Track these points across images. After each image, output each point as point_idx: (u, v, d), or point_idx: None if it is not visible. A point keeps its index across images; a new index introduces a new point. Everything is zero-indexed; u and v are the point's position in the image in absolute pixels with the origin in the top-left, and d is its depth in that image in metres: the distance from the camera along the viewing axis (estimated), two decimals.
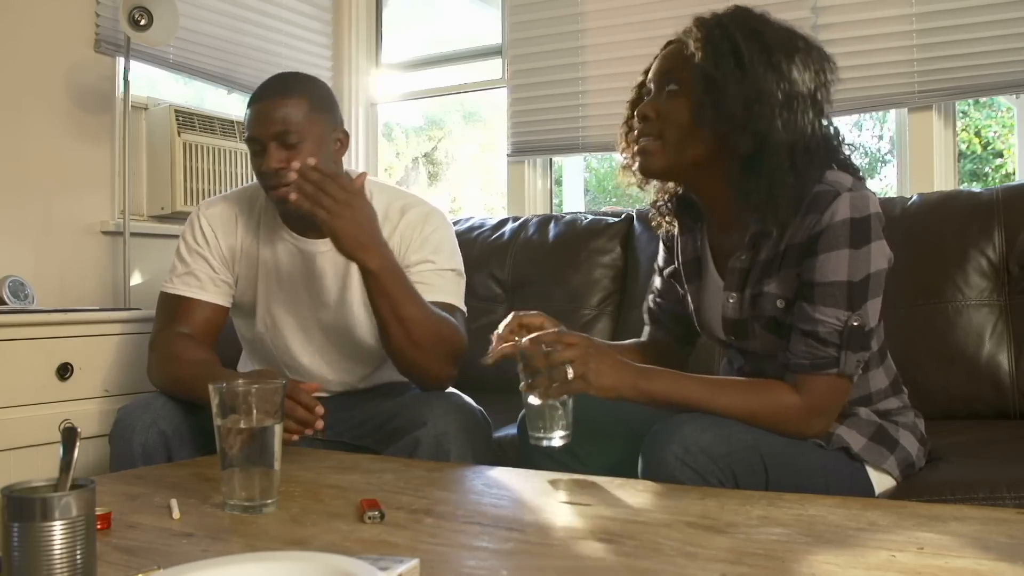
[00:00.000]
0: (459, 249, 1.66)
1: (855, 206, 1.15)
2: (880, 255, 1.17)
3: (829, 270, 1.15)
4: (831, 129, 1.26)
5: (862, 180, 1.22)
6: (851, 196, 1.15)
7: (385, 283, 1.42)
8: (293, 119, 1.49)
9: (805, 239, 1.18)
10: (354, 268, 1.51)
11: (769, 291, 1.23)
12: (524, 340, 1.20)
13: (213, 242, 1.62)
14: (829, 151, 1.24)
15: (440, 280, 1.58)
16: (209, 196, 2.72)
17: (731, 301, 1.29)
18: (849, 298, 1.15)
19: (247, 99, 1.56)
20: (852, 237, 1.14)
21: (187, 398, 1.47)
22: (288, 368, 1.68)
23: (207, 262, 1.61)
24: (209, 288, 1.61)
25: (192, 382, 1.42)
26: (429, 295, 1.52)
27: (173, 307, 1.60)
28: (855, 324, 1.15)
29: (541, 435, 1.23)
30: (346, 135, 1.60)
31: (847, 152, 1.26)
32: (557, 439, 1.22)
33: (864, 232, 1.15)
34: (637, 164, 1.29)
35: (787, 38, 1.21)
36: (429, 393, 1.54)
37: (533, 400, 1.21)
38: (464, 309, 1.63)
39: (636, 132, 1.29)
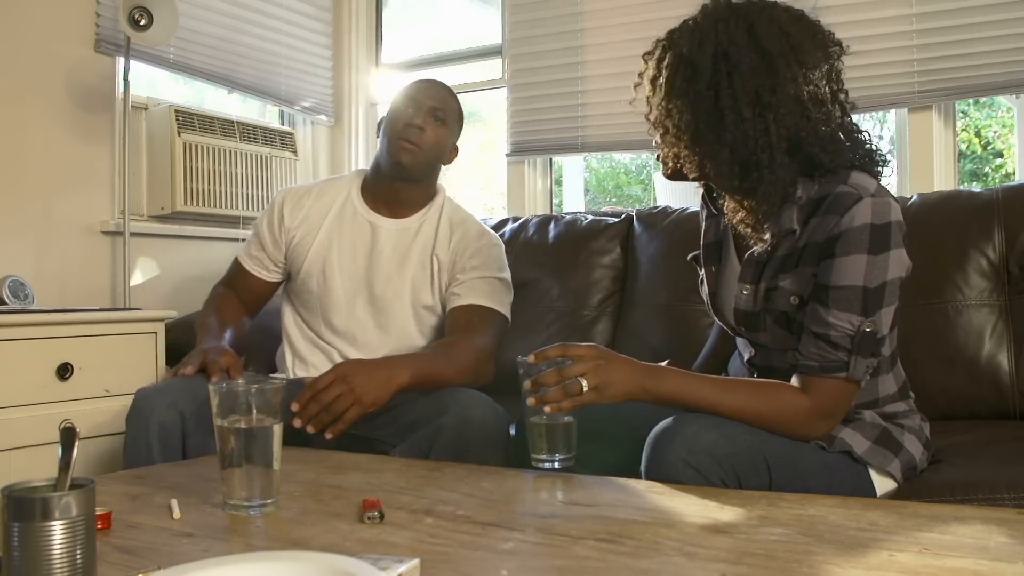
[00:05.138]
0: (507, 267, 1.83)
1: (876, 212, 1.13)
2: (898, 263, 1.15)
3: (846, 274, 1.14)
4: (832, 127, 1.20)
5: (882, 184, 1.19)
6: (873, 201, 1.13)
7: (424, 380, 1.51)
8: (448, 106, 1.80)
9: (823, 239, 1.16)
10: (414, 252, 1.78)
11: (784, 286, 1.22)
12: (529, 357, 1.19)
13: (278, 219, 1.83)
14: (832, 148, 1.19)
15: (485, 286, 1.75)
16: (209, 196, 2.75)
17: (744, 293, 1.28)
18: (864, 303, 1.14)
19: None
20: (871, 243, 1.13)
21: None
22: (328, 328, 1.81)
23: (268, 245, 1.85)
24: (267, 266, 1.87)
25: (203, 320, 1.76)
26: (471, 299, 1.72)
27: (236, 269, 1.91)
28: (868, 330, 1.14)
29: (544, 457, 1.22)
30: (457, 150, 1.87)
31: (868, 148, 1.22)
32: (559, 461, 1.22)
33: (884, 239, 1.13)
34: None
35: (756, 40, 1.15)
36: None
37: (537, 418, 1.20)
38: (504, 312, 1.76)
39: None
